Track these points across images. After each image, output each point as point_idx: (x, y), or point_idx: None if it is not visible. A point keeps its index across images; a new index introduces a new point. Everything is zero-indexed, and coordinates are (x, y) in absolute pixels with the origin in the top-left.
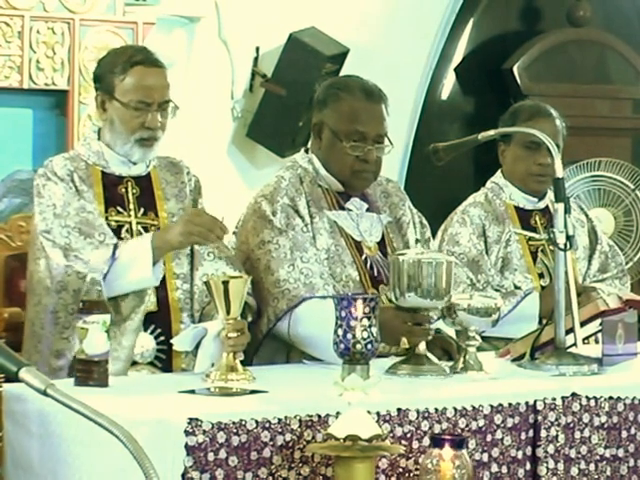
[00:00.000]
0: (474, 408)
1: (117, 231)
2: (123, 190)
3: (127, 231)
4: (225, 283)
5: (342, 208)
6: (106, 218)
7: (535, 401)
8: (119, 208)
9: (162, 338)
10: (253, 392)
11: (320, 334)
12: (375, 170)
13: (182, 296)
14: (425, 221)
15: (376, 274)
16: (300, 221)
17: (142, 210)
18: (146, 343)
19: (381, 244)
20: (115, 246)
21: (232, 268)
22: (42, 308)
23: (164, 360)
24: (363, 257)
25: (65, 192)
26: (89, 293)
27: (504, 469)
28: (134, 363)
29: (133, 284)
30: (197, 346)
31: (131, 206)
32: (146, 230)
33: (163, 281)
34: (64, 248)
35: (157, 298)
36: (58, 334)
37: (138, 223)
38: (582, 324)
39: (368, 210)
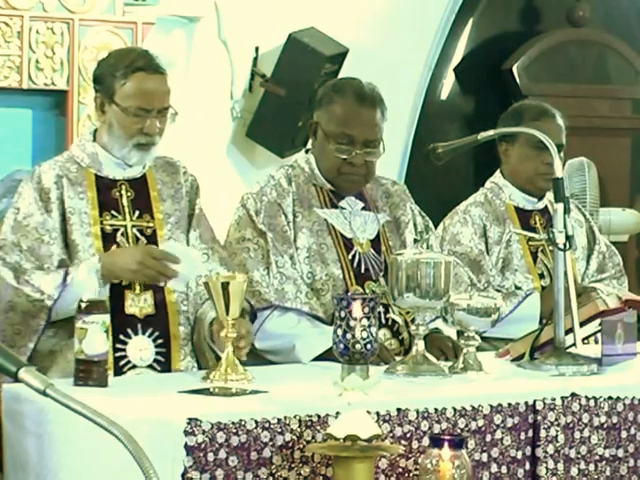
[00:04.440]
0: (473, 408)
1: (112, 235)
2: (117, 194)
3: (122, 234)
4: (224, 284)
5: (335, 206)
6: (100, 222)
7: (535, 401)
8: (113, 212)
9: (160, 341)
10: (253, 392)
11: (279, 346)
12: (365, 174)
13: (179, 298)
14: (428, 219)
15: (364, 271)
16: (283, 219)
17: (137, 213)
18: (145, 346)
19: (375, 242)
20: (66, 272)
21: (226, 269)
22: None
23: (163, 363)
24: (351, 254)
25: (32, 202)
26: (39, 317)
27: (504, 469)
28: (134, 367)
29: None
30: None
31: (126, 209)
32: (141, 233)
33: None
34: (14, 268)
35: (154, 301)
36: None
37: (134, 226)
38: (582, 324)
39: (364, 209)
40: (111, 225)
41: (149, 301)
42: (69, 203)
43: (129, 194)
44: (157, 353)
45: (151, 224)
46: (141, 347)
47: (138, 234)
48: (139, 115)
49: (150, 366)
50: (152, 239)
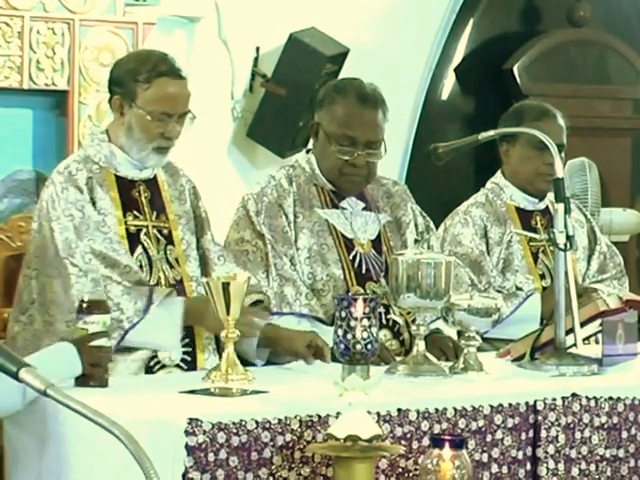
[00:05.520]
0: (474, 408)
1: (136, 235)
2: (137, 194)
3: (145, 234)
4: (225, 284)
5: (336, 207)
6: (125, 222)
7: (535, 401)
8: (135, 212)
9: (186, 340)
10: (253, 392)
11: None
12: (366, 174)
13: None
14: (429, 219)
15: (364, 271)
16: (283, 220)
17: (155, 213)
18: None
19: (376, 242)
20: (149, 300)
21: (242, 268)
22: (53, 329)
23: (189, 362)
24: (352, 255)
25: (85, 205)
26: (111, 336)
27: (504, 469)
28: (163, 366)
29: (153, 345)
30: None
31: (145, 209)
32: (160, 233)
33: (181, 284)
34: (92, 278)
35: None
36: None
37: (154, 227)
38: (582, 324)
39: (365, 209)
40: (135, 225)
41: None
42: (99, 204)
43: (146, 194)
44: (184, 353)
45: (167, 224)
46: None
47: (158, 234)
48: (162, 120)
49: (177, 365)
50: (169, 239)
